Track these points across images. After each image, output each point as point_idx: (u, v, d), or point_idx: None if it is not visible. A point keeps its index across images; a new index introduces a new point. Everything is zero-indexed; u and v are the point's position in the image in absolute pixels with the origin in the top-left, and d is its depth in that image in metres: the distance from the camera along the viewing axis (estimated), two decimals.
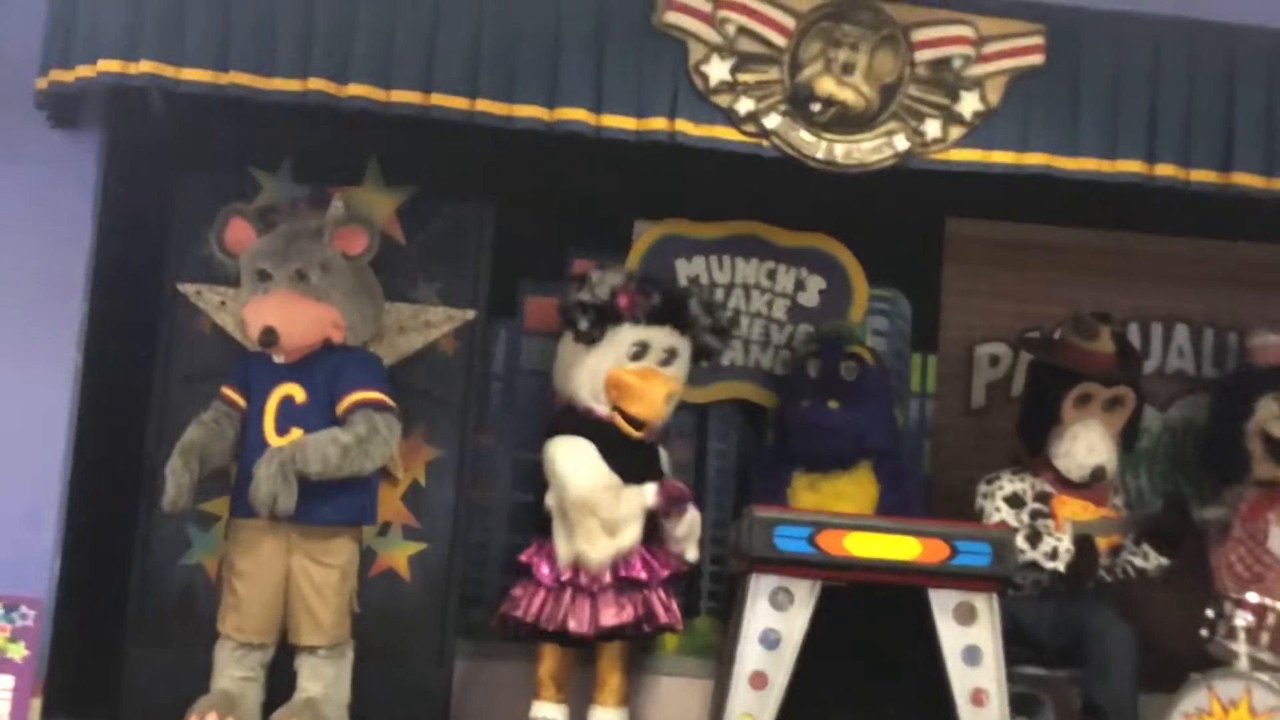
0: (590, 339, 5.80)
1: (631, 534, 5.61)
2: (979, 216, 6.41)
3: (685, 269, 6.33)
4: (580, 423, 5.78)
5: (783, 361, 6.34)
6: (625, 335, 5.79)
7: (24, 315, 5.54)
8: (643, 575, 5.64)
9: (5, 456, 5.49)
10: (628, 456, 5.74)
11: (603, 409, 5.79)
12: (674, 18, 5.42)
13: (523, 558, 5.76)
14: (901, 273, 6.46)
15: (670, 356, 5.83)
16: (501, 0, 5.31)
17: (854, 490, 5.94)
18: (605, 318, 5.78)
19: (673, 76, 5.37)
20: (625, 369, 5.76)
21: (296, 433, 5.41)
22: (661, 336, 5.82)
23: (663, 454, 5.95)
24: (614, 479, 5.65)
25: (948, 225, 6.47)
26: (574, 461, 5.68)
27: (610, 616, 5.60)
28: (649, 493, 5.66)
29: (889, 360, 6.36)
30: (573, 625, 5.60)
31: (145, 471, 5.74)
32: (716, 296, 6.27)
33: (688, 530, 5.69)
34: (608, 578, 5.62)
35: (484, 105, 5.28)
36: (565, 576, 5.64)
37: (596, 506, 5.61)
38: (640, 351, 5.79)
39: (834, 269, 6.41)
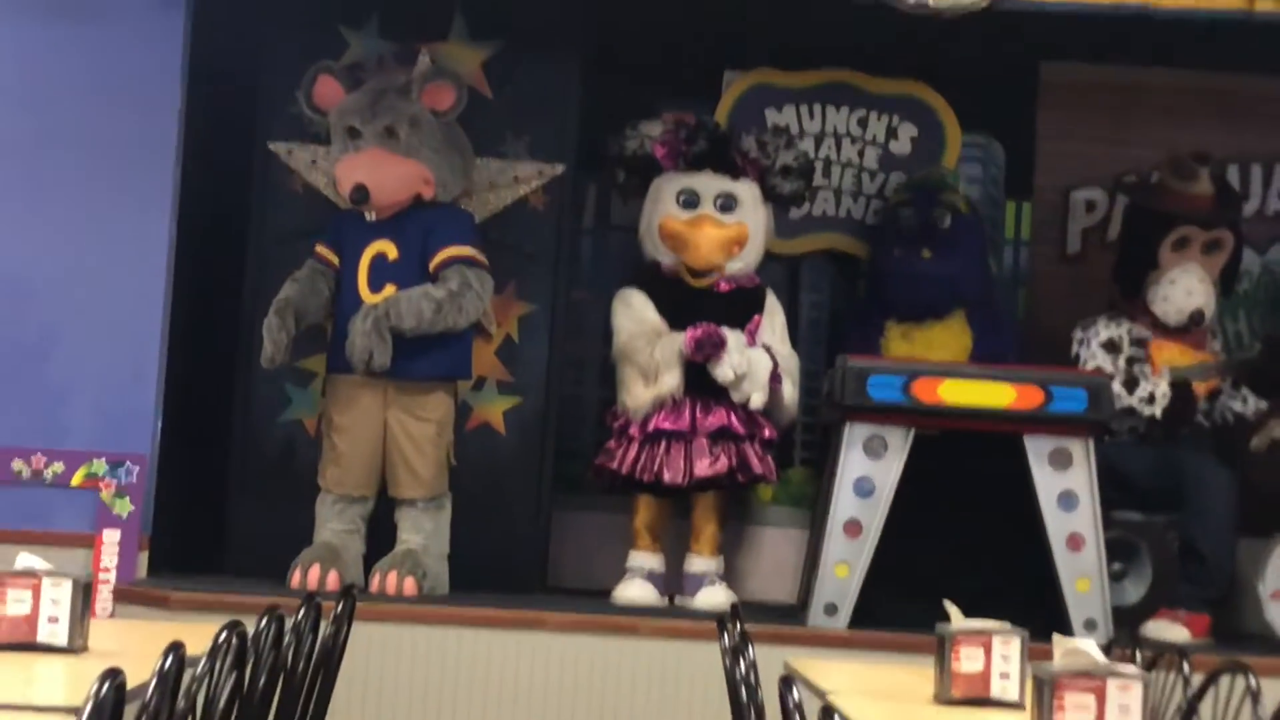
0: (628, 192, 5.80)
1: (669, 381, 5.57)
2: (1074, 59, 6.28)
3: (775, 118, 6.26)
4: (646, 275, 5.80)
5: (875, 211, 6.29)
6: (671, 184, 5.75)
7: (118, 178, 5.60)
8: (740, 428, 5.64)
9: (106, 317, 5.58)
10: (696, 306, 5.69)
11: (667, 260, 5.77)
12: None
13: (615, 410, 5.78)
14: (995, 118, 6.39)
15: (729, 201, 5.75)
16: None
17: (948, 339, 5.91)
18: (644, 169, 5.76)
19: None
20: (675, 217, 5.72)
21: (390, 289, 5.44)
22: (712, 182, 5.74)
23: (769, 302, 5.85)
24: (656, 327, 5.63)
25: (1042, 69, 6.35)
26: (620, 312, 5.71)
27: (704, 467, 5.62)
28: (681, 339, 5.59)
29: (983, 207, 6.30)
30: (667, 476, 5.63)
31: (242, 329, 5.80)
32: (804, 144, 6.18)
33: (729, 376, 5.56)
34: (704, 428, 5.62)
35: None
36: (658, 425, 5.63)
37: (632, 353, 5.62)
38: (690, 199, 5.73)
39: (926, 115, 6.33)
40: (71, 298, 5.56)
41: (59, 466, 5.55)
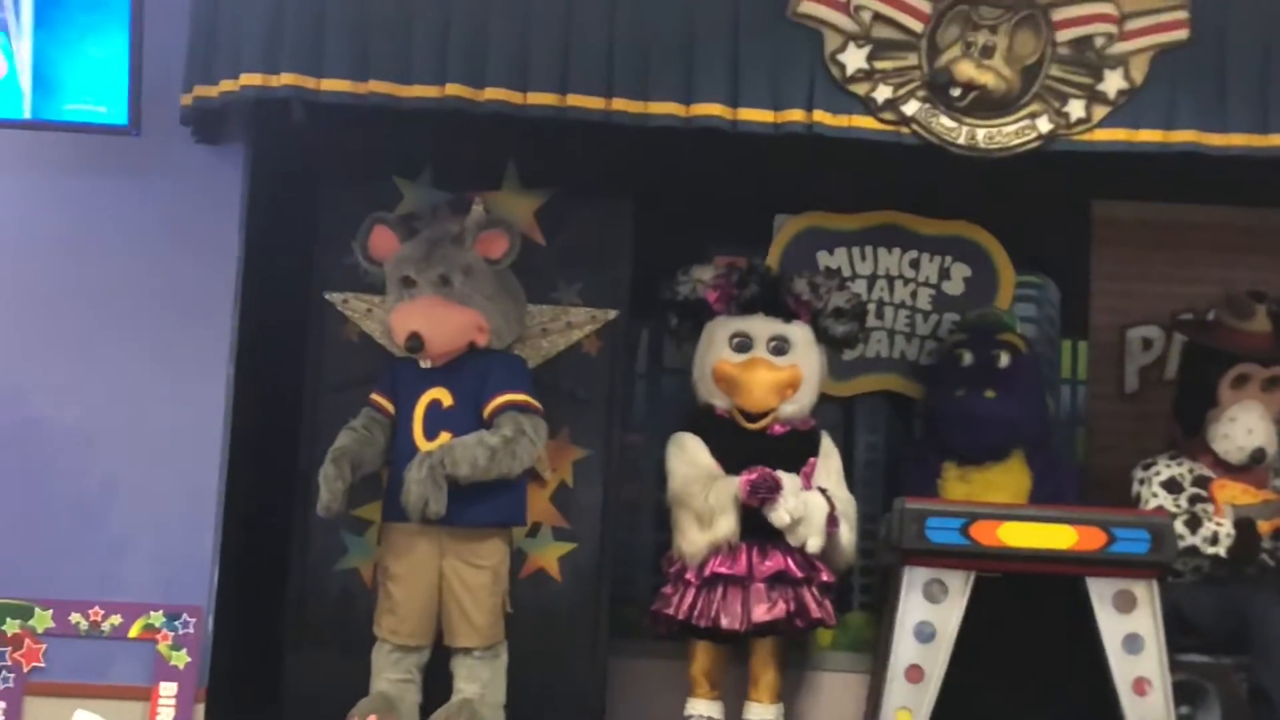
0: (681, 336, 5.83)
1: (725, 526, 5.53)
2: (1126, 197, 6.29)
3: (827, 261, 6.28)
4: (700, 418, 5.78)
5: (930, 351, 6.27)
6: (723, 328, 5.75)
7: (176, 329, 5.64)
8: (798, 573, 5.59)
9: (162, 467, 5.58)
10: (751, 450, 5.67)
11: (721, 403, 5.75)
12: (808, 7, 5.38)
13: (671, 555, 5.75)
14: (1048, 257, 6.36)
15: (782, 344, 5.74)
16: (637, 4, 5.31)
17: (1006, 480, 5.85)
18: (696, 313, 5.78)
19: (809, 66, 5.33)
20: (728, 361, 5.72)
21: (445, 436, 5.44)
22: (765, 325, 5.75)
23: (824, 444, 5.82)
24: (711, 471, 5.61)
25: (1094, 207, 6.35)
26: (675, 456, 5.69)
27: (762, 612, 5.56)
28: (736, 483, 5.55)
29: (1038, 346, 6.27)
30: (725, 621, 5.57)
31: (299, 478, 5.80)
32: (856, 286, 6.20)
33: (785, 520, 5.52)
34: (761, 573, 5.58)
35: (620, 104, 5.28)
36: (714, 570, 5.59)
37: (687, 498, 5.58)
38: (743, 342, 5.74)
39: (979, 256, 6.33)
40: (130, 449, 5.59)
41: (117, 619, 5.54)
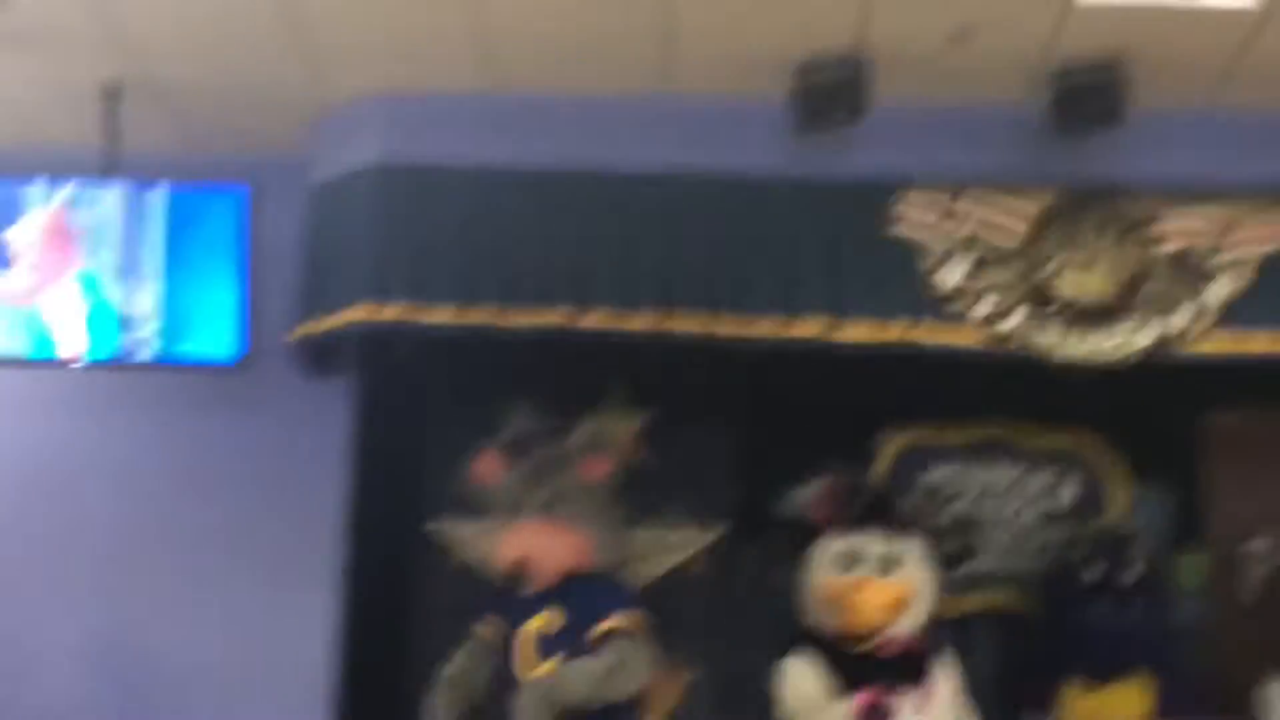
0: (787, 555, 5.73)
1: None
2: (1237, 405, 6.16)
3: (932, 476, 6.20)
4: (809, 640, 5.66)
5: (1050, 566, 6.12)
6: (830, 546, 5.67)
7: (281, 562, 5.74)
8: None
9: (269, 705, 5.61)
10: (862, 671, 5.53)
11: (829, 623, 5.65)
12: (907, 227, 5.40)
13: None
14: (1159, 467, 6.24)
15: (890, 563, 5.66)
16: (736, 221, 5.38)
17: (1129, 698, 5.69)
18: (803, 532, 5.70)
19: (908, 284, 5.36)
20: (836, 579, 5.64)
21: (553, 663, 5.35)
22: (872, 543, 5.67)
23: (938, 662, 5.67)
24: (820, 697, 5.47)
25: (1205, 417, 6.22)
26: (784, 680, 5.55)
27: None
28: (847, 708, 5.42)
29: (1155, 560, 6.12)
30: None
31: (407, 711, 5.65)
32: (963, 502, 6.13)
33: None
34: None
35: (721, 326, 5.32)
36: None
37: None
38: (850, 561, 5.65)
39: (1088, 467, 6.23)
40: (235, 686, 5.64)
41: None
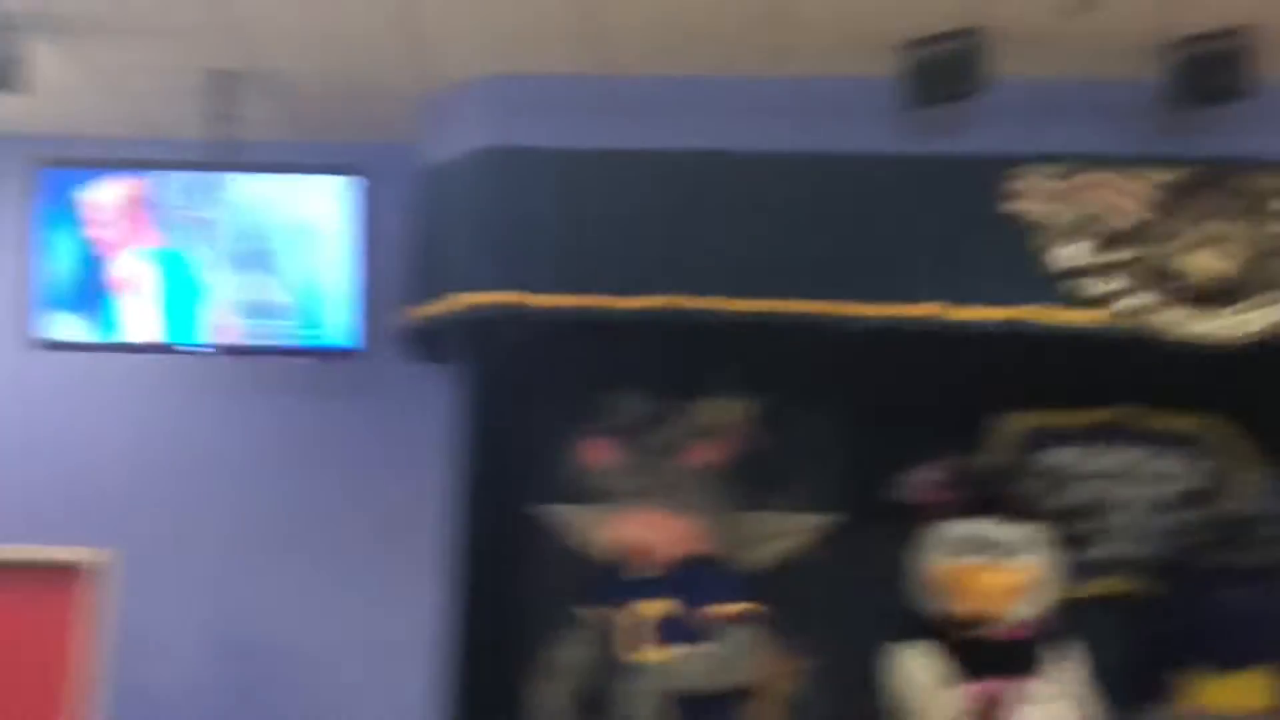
0: (907, 541, 5.62)
1: None
2: None
3: (1052, 459, 6.08)
4: (923, 627, 5.56)
5: (1174, 551, 5.98)
6: (948, 531, 5.57)
7: (386, 547, 5.75)
8: None
9: (374, 690, 5.62)
10: (978, 658, 5.42)
11: (946, 610, 5.55)
12: (1024, 205, 5.29)
13: None
14: None
15: (1009, 549, 5.54)
16: (849, 202, 5.30)
17: (1253, 686, 5.55)
18: (919, 516, 5.60)
19: (1026, 263, 5.25)
20: (952, 565, 5.53)
21: (665, 650, 5.34)
22: (992, 529, 5.56)
23: (1059, 649, 5.54)
24: (936, 682, 5.38)
25: None
26: (896, 667, 5.46)
27: None
28: (963, 696, 5.32)
29: None
30: None
31: (514, 699, 5.66)
32: (1085, 485, 6.02)
33: None
34: None
35: (834, 307, 5.25)
36: None
37: (913, 711, 5.36)
38: (968, 547, 5.55)
39: (1213, 450, 6.09)
40: (340, 670, 5.65)
41: None
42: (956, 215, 5.27)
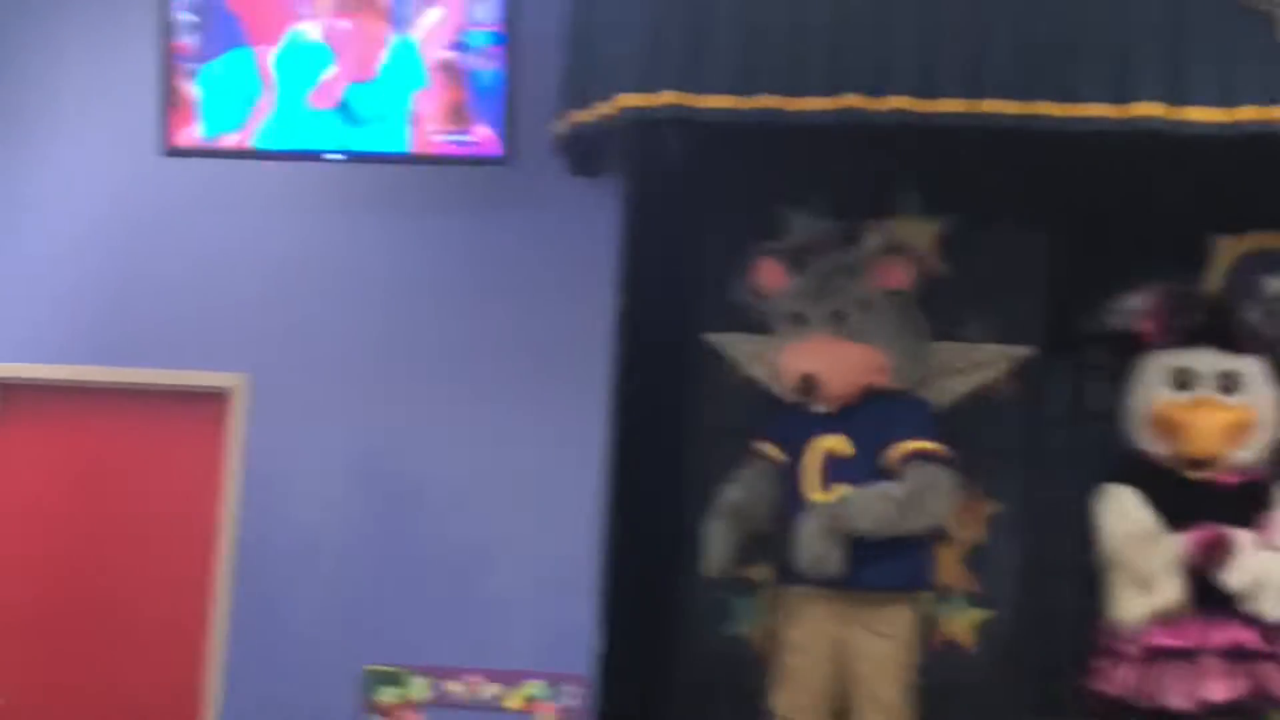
0: (1112, 374, 5.31)
1: (1169, 590, 4.99)
2: None
3: (1276, 287, 5.49)
4: (1134, 468, 5.22)
5: None
6: (1162, 363, 5.22)
7: (549, 377, 5.47)
8: (1260, 645, 4.95)
9: (538, 527, 5.40)
10: (1196, 503, 5.08)
11: (1159, 450, 5.19)
12: None
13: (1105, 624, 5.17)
14: None
15: (1232, 380, 5.16)
16: None
17: None
18: (1128, 348, 5.25)
19: (1265, 55, 4.68)
20: (1169, 401, 5.16)
21: (842, 488, 5.06)
22: (1212, 359, 5.18)
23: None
24: (1150, 527, 5.06)
25: None
26: (1107, 511, 5.16)
27: (1216, 691, 4.91)
28: (1181, 542, 5.01)
29: None
30: (1173, 701, 4.95)
31: (683, 535, 5.45)
32: None
33: (1242, 583, 4.94)
34: (1214, 646, 4.95)
35: (1040, 107, 4.75)
36: (1157, 642, 5.00)
37: (1124, 560, 5.09)
38: (1186, 380, 5.18)
39: None
40: (504, 507, 5.42)
41: (496, 689, 5.30)
42: (1185, 3, 4.72)
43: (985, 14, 4.77)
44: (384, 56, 5.27)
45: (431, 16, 5.22)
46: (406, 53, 5.25)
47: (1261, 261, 5.56)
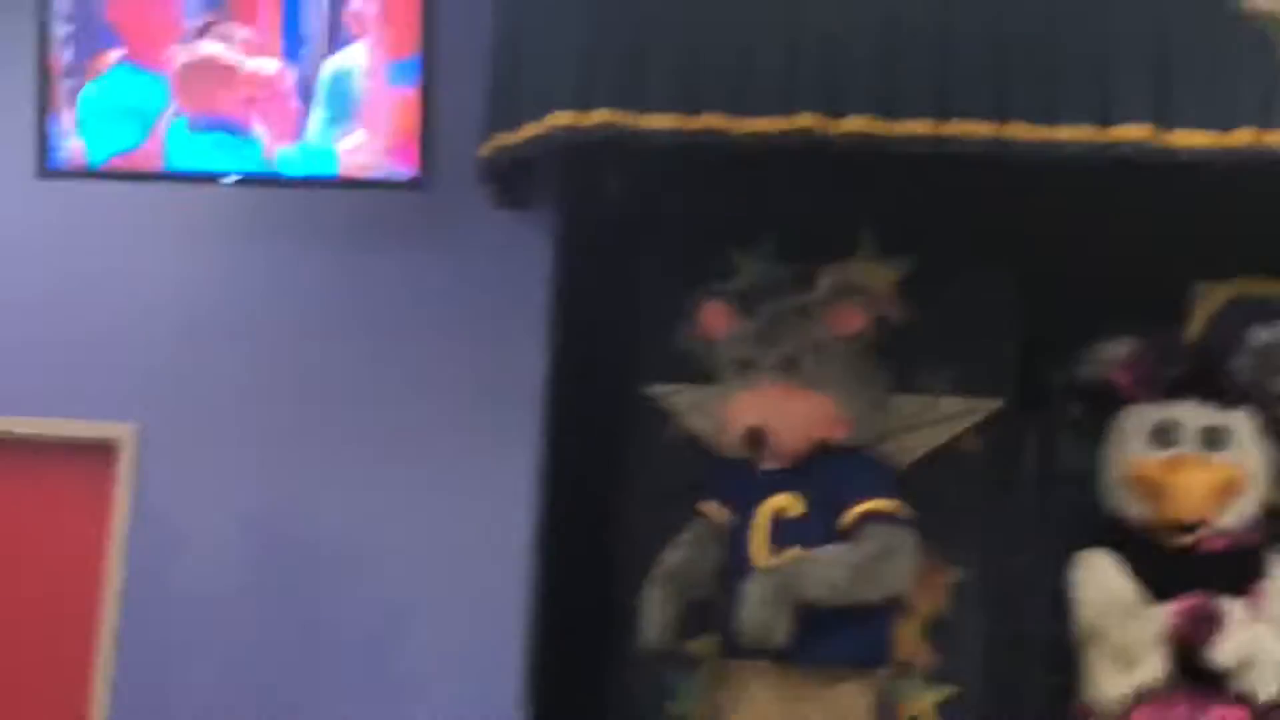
0: (1088, 430, 5.24)
1: (1152, 667, 4.85)
2: None
3: (1267, 335, 5.27)
4: (1111, 532, 5.12)
5: None
6: (1141, 418, 5.12)
7: (473, 430, 5.33)
8: None
9: (458, 595, 5.25)
10: (1179, 570, 4.95)
11: (1138, 512, 5.06)
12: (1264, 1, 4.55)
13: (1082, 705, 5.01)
14: None
15: (1218, 436, 5.04)
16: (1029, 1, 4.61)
17: None
18: (1104, 401, 5.19)
19: (1262, 76, 4.49)
20: (1148, 459, 5.06)
21: (792, 552, 4.88)
22: (1196, 413, 5.07)
23: (1276, 563, 5.03)
24: (1131, 598, 4.94)
25: None
26: (1083, 580, 5.07)
27: None
28: (1164, 614, 4.90)
29: None
30: None
31: (617, 606, 5.27)
32: None
33: (1232, 659, 4.78)
34: None
35: (1014, 129, 4.54)
36: None
37: (1101, 633, 4.98)
38: (1168, 436, 5.07)
39: None
40: (419, 573, 5.27)
41: None
42: (1172, 15, 4.53)
43: (953, 26, 4.59)
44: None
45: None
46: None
47: (1247, 309, 5.41)
